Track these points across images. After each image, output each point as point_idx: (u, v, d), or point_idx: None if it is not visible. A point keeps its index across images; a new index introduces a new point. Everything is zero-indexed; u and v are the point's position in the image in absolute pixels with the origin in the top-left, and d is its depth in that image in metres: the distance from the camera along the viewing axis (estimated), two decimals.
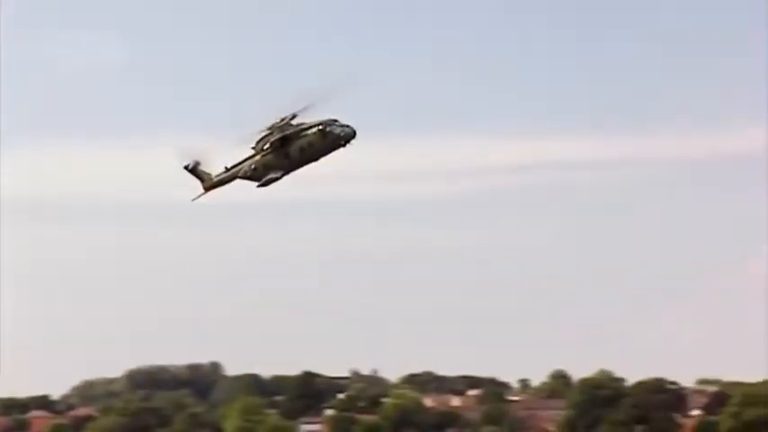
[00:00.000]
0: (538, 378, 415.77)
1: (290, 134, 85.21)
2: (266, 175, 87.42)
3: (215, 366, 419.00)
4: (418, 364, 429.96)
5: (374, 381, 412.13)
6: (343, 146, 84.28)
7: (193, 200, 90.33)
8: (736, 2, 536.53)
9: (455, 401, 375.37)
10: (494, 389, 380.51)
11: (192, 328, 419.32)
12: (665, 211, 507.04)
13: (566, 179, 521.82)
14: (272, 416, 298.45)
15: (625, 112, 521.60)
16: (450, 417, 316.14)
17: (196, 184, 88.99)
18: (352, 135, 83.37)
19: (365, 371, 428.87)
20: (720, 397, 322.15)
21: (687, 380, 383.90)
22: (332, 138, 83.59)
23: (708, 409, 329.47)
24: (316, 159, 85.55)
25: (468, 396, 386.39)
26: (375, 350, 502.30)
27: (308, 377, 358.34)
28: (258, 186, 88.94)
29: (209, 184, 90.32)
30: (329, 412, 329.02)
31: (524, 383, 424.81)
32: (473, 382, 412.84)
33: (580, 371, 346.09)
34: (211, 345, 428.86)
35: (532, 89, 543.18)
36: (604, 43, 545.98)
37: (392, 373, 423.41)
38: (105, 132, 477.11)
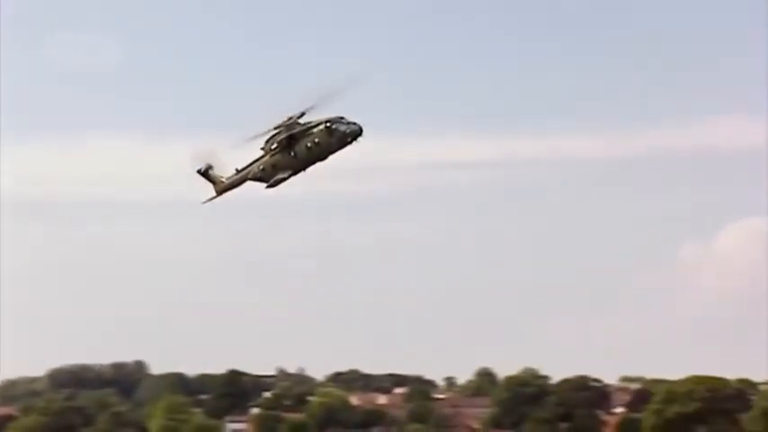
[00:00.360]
0: (464, 376, 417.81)
1: (297, 133, 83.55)
2: (275, 175, 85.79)
3: (139, 365, 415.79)
4: (344, 363, 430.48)
5: (300, 379, 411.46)
6: (350, 143, 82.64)
7: (204, 203, 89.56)
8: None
9: (381, 399, 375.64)
10: (420, 387, 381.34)
11: (116, 327, 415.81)
12: (588, 209, 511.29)
13: (488, 177, 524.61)
14: (198, 415, 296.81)
15: (535, 112, 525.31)
16: (377, 415, 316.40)
17: (208, 187, 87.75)
18: (359, 132, 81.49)
19: (291, 369, 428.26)
20: (643, 394, 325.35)
21: (611, 377, 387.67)
22: (338, 135, 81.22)
23: (631, 406, 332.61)
24: (323, 157, 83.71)
25: (395, 394, 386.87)
26: (301, 349, 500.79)
27: (234, 376, 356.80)
28: (267, 187, 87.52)
29: (221, 188, 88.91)
30: (255, 411, 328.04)
31: (450, 381, 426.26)
32: (399, 380, 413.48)
33: (505, 369, 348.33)
34: (136, 343, 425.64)
35: (441, 89, 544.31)
36: (511, 45, 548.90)
37: (318, 372, 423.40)
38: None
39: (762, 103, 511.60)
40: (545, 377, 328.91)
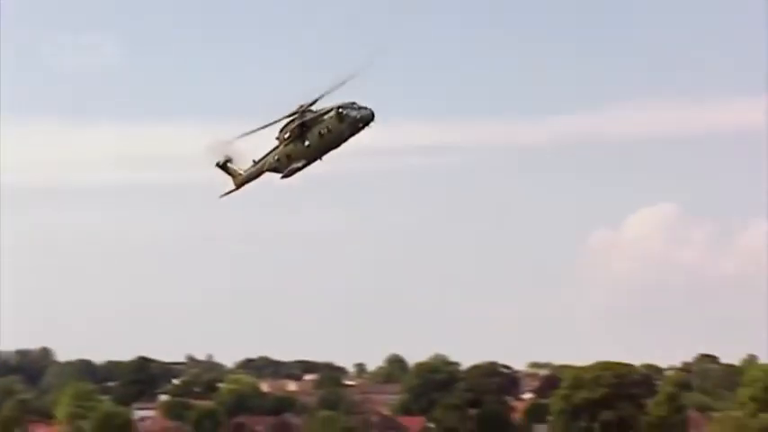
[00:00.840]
0: (374, 363, 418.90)
1: (308, 120, 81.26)
2: (290, 165, 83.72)
3: (45, 352, 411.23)
4: (254, 350, 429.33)
5: (210, 366, 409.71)
6: (362, 128, 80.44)
7: (222, 196, 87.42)
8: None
9: (291, 386, 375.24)
10: (330, 374, 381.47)
11: (21, 314, 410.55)
12: (497, 195, 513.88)
13: (400, 164, 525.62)
14: (105, 402, 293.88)
15: (473, 97, 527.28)
16: (287, 401, 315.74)
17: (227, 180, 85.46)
18: (371, 117, 78.82)
19: (201, 356, 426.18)
20: (551, 380, 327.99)
21: (520, 364, 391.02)
22: (349, 121, 78.79)
23: (539, 392, 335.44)
24: (336, 145, 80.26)
25: (305, 381, 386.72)
26: (211, 336, 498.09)
27: (143, 362, 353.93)
28: (282, 177, 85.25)
29: (240, 181, 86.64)
30: (164, 398, 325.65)
31: (360, 368, 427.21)
32: (309, 366, 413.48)
33: (416, 356, 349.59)
34: (41, 330, 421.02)
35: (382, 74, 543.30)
36: (453, 29, 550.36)
37: (228, 359, 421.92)
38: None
39: (672, 89, 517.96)
40: (455, 363, 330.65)
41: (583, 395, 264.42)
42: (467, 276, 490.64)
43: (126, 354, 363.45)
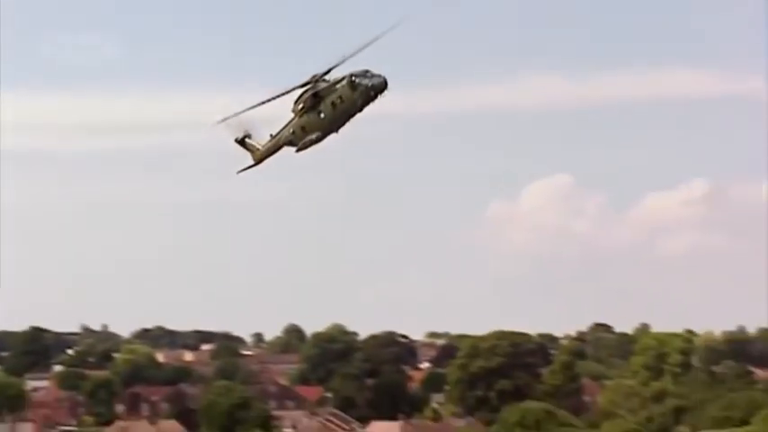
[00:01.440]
0: (272, 333, 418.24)
1: (321, 90, 77.71)
2: (304, 137, 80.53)
3: None
4: (150, 320, 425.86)
5: (105, 336, 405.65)
6: (375, 97, 77.12)
7: (239, 172, 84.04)
8: None
9: (188, 356, 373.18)
10: (227, 343, 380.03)
11: None
12: (394, 166, 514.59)
13: None
14: None
15: (377, 65, 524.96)
16: (183, 371, 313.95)
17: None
18: (384, 85, 75.43)
19: (95, 326, 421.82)
20: (448, 350, 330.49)
21: (417, 334, 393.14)
22: (361, 89, 75.35)
23: (436, 361, 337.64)
24: (350, 114, 76.65)
25: (202, 351, 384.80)
26: (106, 306, 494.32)
27: (36, 332, 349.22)
28: (297, 151, 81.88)
29: (259, 156, 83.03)
30: (58, 368, 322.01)
31: (258, 338, 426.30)
32: (206, 336, 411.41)
33: (314, 326, 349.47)
34: None
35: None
36: None
37: (123, 329, 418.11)
38: None
39: (566, 61, 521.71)
40: (353, 333, 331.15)
41: (479, 364, 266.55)
42: (364, 247, 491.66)
43: (18, 324, 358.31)
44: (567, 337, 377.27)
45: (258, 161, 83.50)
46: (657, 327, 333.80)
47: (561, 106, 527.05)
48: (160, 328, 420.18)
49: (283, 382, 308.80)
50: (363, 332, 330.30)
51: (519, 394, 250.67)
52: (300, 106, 78.48)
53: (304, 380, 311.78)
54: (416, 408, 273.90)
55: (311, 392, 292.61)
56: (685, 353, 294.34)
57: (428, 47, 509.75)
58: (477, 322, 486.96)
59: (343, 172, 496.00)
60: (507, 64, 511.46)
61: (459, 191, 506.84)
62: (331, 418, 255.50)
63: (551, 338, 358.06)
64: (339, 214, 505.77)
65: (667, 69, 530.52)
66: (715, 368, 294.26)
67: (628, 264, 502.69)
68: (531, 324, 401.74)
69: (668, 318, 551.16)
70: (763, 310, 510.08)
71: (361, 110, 76.71)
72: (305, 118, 78.36)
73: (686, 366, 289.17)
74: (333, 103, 76.62)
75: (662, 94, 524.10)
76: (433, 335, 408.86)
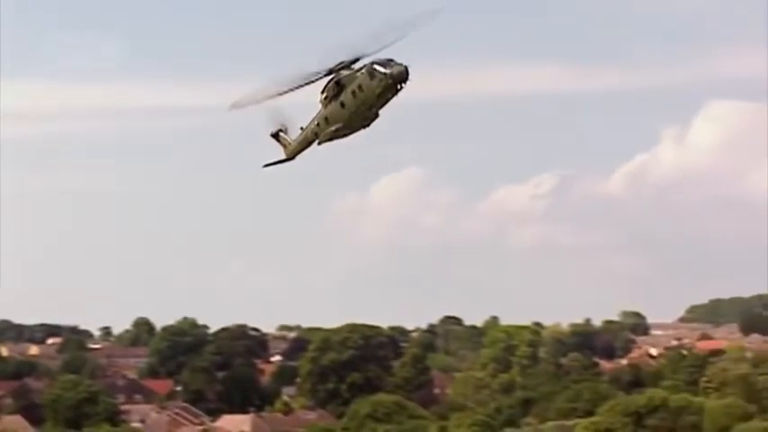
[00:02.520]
0: (121, 326, 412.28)
1: (343, 78, 71.85)
2: (327, 129, 74.51)
3: None
4: None
5: None
6: (395, 88, 68.96)
7: (265, 167, 77.70)
8: None
9: (33, 350, 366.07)
10: (74, 337, 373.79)
11: None
12: (241, 157, 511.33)
13: (148, 125, 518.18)
14: None
15: (213, 58, 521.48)
16: (28, 365, 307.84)
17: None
18: (404, 74, 69.16)
19: None
20: (300, 342, 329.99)
21: (269, 327, 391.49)
22: (379, 77, 69.06)
23: (288, 354, 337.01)
24: (371, 105, 70.47)
25: (48, 345, 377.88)
26: None
27: None
28: (318, 143, 75.74)
29: (290, 151, 76.53)
30: None
31: (106, 331, 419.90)
32: (53, 330, 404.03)
33: (164, 319, 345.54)
34: None
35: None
36: None
37: None
38: None
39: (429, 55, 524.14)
40: (203, 327, 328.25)
41: (331, 357, 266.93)
42: (215, 239, 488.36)
43: None
44: (418, 329, 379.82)
45: (290, 156, 78.24)
46: (506, 319, 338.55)
47: (414, 99, 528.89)
48: (5, 322, 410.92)
49: (132, 375, 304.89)
50: (214, 325, 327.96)
51: (370, 387, 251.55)
52: (324, 95, 71.96)
53: (153, 373, 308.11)
54: (267, 401, 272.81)
55: (161, 386, 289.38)
56: (533, 345, 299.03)
57: (268, 36, 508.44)
58: (329, 315, 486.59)
59: (190, 162, 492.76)
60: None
61: (309, 183, 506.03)
62: (180, 412, 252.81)
63: (402, 331, 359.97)
64: (187, 206, 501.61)
65: (515, 65, 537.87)
66: (562, 360, 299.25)
67: (477, 257, 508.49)
68: (383, 317, 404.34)
69: (517, 310, 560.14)
70: (608, 303, 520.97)
71: (381, 100, 70.19)
72: (329, 108, 72.02)
73: (534, 359, 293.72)
74: (353, 93, 71.00)
75: (512, 88, 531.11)
76: (285, 328, 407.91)
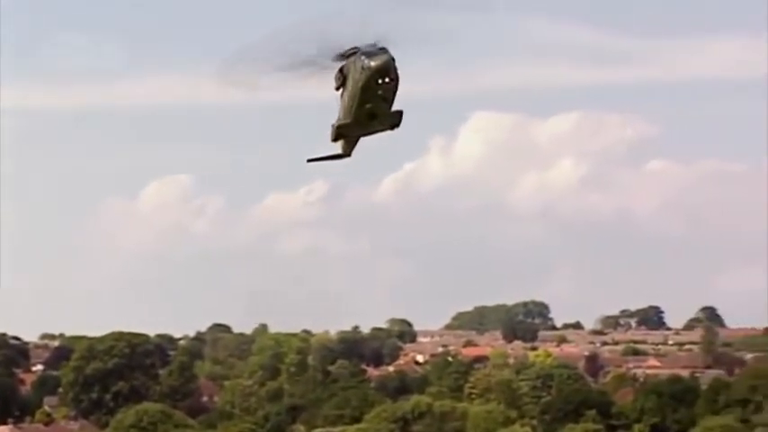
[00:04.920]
0: None
1: (344, 66, 59.90)
2: (343, 126, 62.26)
3: None
4: None
5: None
6: (377, 81, 58.60)
7: (309, 161, 66.24)
8: None
9: None
10: None
11: None
12: (9, 161, 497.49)
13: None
14: None
15: None
16: None
17: None
18: (383, 65, 58.45)
19: None
20: (63, 351, 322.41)
21: (30, 335, 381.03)
22: (361, 69, 59.08)
23: (50, 363, 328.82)
24: (365, 102, 60.48)
25: None
26: None
27: None
28: (332, 140, 63.32)
29: (345, 149, 64.29)
30: None
31: None
32: None
33: None
34: None
35: None
36: None
37: None
38: None
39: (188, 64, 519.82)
40: None
41: (95, 366, 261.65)
42: None
43: None
44: (186, 337, 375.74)
45: (345, 152, 68.07)
46: (275, 327, 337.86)
47: (176, 105, 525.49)
48: None
49: None
50: None
51: (136, 396, 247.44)
52: (336, 86, 61.95)
53: None
54: (28, 411, 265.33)
55: None
56: (302, 353, 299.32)
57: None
58: (95, 323, 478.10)
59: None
60: (126, 64, 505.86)
61: (74, 188, 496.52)
62: None
63: (170, 339, 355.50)
64: None
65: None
66: (330, 367, 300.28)
67: (247, 264, 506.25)
68: (150, 325, 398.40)
69: (286, 318, 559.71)
70: (376, 311, 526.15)
71: (370, 95, 59.58)
72: (342, 100, 61.86)
73: (302, 366, 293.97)
74: (351, 83, 60.68)
75: (283, 97, 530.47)
76: (48, 336, 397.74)
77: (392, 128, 63.55)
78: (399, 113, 62.67)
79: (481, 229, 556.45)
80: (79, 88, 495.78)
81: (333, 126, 63.32)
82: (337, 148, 65.27)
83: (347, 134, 63.91)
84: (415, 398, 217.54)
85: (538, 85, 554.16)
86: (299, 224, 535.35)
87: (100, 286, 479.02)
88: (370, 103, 61.26)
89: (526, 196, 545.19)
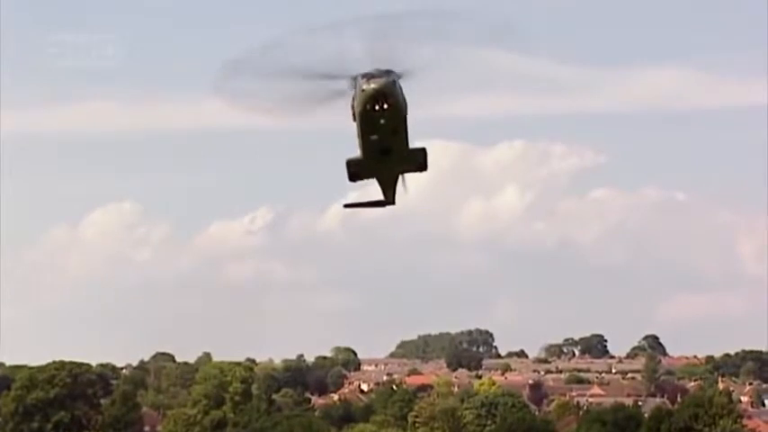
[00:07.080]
0: None
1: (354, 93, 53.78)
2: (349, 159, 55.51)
3: None
4: None
5: None
6: (373, 106, 51.88)
7: (346, 207, 59.47)
8: None
9: None
10: None
11: None
12: None
13: None
14: None
15: None
16: None
17: None
18: (375, 92, 51.62)
19: None
20: (3, 381, 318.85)
21: None
22: (360, 93, 52.43)
23: None
24: (366, 133, 53.49)
25: None
26: None
27: None
28: (349, 180, 56.76)
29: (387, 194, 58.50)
30: None
31: None
32: None
33: None
34: None
35: None
36: None
37: None
38: None
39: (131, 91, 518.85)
40: None
41: (36, 396, 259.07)
42: None
43: None
44: (129, 366, 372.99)
45: (387, 200, 59.89)
46: (219, 356, 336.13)
47: (124, 135, 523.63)
48: None
49: None
50: None
51: (77, 426, 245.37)
52: (352, 114, 54.26)
53: None
54: None
55: None
56: (246, 381, 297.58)
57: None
58: (35, 353, 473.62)
59: None
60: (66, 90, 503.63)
61: (14, 215, 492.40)
62: None
63: (112, 368, 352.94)
64: None
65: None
66: (275, 396, 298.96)
67: (191, 292, 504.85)
68: (92, 354, 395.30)
69: (230, 347, 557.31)
70: (321, 339, 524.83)
71: (366, 121, 52.74)
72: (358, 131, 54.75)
73: (247, 395, 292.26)
74: (355, 112, 53.79)
75: (227, 123, 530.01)
76: None
77: (419, 170, 56.18)
78: (423, 151, 55.54)
79: (425, 257, 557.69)
80: (21, 114, 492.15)
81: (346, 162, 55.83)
82: (377, 193, 57.97)
83: (361, 172, 56.27)
84: (359, 426, 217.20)
85: (483, 115, 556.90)
86: (242, 252, 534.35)
87: (42, 315, 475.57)
88: (376, 135, 53.68)
89: (470, 225, 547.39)
